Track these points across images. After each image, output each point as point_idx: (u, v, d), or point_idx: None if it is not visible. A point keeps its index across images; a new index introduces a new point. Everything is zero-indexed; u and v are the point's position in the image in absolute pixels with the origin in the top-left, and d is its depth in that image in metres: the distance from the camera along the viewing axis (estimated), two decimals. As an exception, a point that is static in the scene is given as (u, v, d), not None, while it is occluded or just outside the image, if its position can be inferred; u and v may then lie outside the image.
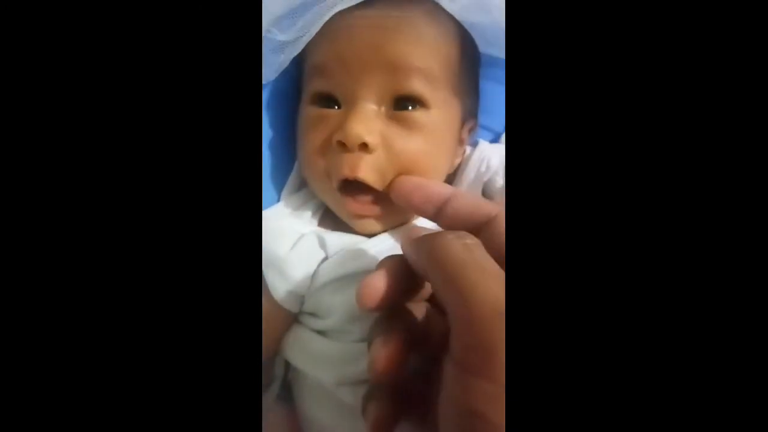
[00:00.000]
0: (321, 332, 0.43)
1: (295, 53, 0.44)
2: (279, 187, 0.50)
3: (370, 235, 0.45)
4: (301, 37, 0.43)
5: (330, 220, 0.48)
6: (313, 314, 0.44)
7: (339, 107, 0.43)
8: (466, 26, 0.46)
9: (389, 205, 0.42)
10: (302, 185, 0.50)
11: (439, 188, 0.35)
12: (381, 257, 0.40)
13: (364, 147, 0.41)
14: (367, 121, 0.41)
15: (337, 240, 0.44)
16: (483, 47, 0.49)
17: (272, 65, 0.45)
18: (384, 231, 0.45)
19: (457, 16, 0.45)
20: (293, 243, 0.43)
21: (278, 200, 0.50)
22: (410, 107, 0.42)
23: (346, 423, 0.40)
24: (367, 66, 0.42)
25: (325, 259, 0.43)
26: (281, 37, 0.44)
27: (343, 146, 0.41)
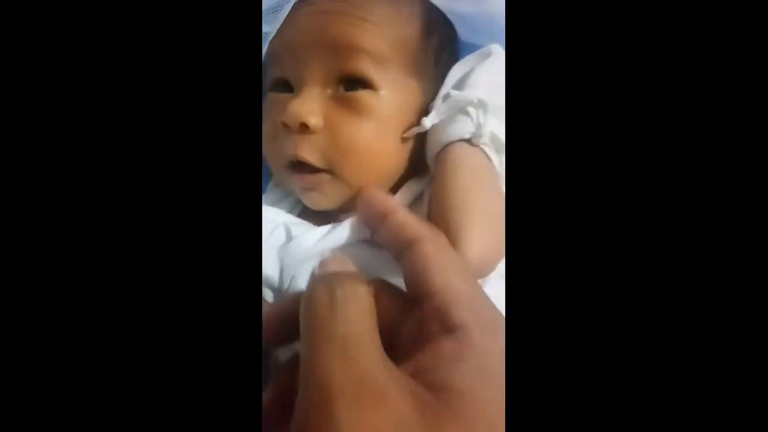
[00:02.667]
0: None
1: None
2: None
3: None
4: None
5: (309, 211, 0.47)
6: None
7: (291, 92, 0.44)
8: (452, 16, 0.46)
9: (332, 182, 0.43)
10: None
11: (379, 204, 0.33)
12: (330, 241, 0.40)
13: (305, 128, 0.41)
14: (309, 102, 0.41)
15: (299, 231, 0.43)
16: (468, 36, 0.48)
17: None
18: (330, 205, 0.45)
19: (443, 6, 0.45)
20: (266, 234, 0.43)
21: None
22: (357, 89, 0.42)
23: None
24: (310, 49, 0.42)
25: (286, 243, 0.43)
26: (265, 28, 0.43)
27: (287, 127, 0.42)
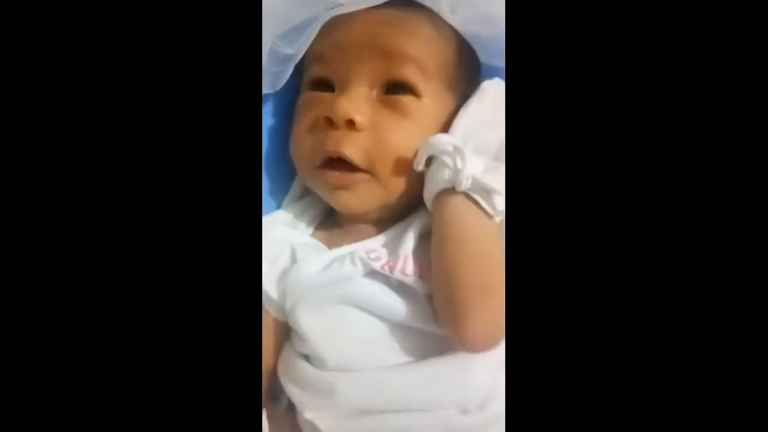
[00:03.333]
0: (305, 356, 0.42)
1: (296, 62, 0.46)
2: (279, 197, 0.51)
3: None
4: (303, 48, 0.45)
5: (325, 230, 0.48)
6: (292, 332, 0.44)
7: (333, 91, 0.45)
8: (468, 38, 0.47)
9: (369, 183, 0.43)
10: (303, 194, 0.51)
11: None
12: (333, 271, 0.41)
13: (351, 124, 0.42)
14: (357, 100, 0.42)
15: (307, 252, 0.44)
16: (485, 58, 0.49)
17: (277, 76, 0.46)
18: (361, 208, 0.45)
19: (459, 28, 0.46)
20: (273, 256, 0.44)
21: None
22: (401, 92, 0.43)
23: None
24: (361, 52, 0.43)
25: (289, 268, 0.44)
26: (287, 50, 0.45)
27: (330, 123, 0.42)
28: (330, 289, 0.41)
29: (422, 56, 0.44)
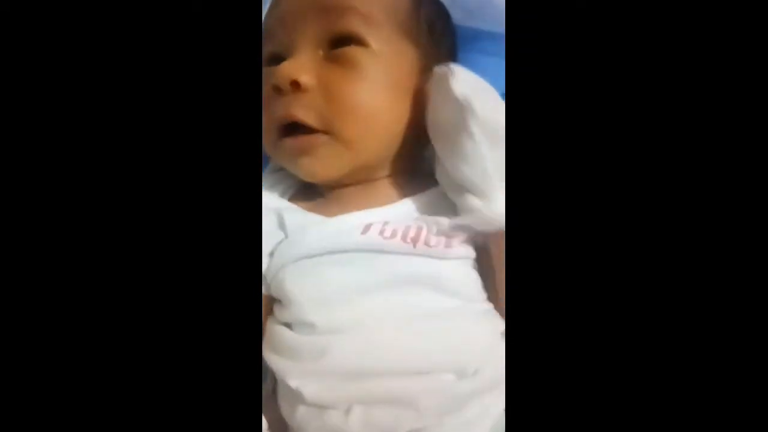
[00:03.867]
0: (287, 324, 0.40)
1: None
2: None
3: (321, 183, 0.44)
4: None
5: (302, 198, 0.46)
6: (279, 301, 0.42)
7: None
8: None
9: (329, 145, 0.40)
10: (280, 167, 0.49)
11: None
12: (341, 239, 0.40)
13: (297, 86, 0.40)
14: (299, 61, 0.40)
15: (297, 219, 0.42)
16: (462, 20, 0.47)
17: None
18: (327, 173, 0.43)
19: None
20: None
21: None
22: (345, 45, 0.41)
23: (312, 421, 0.37)
24: (302, 16, 0.41)
25: (284, 240, 0.42)
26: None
27: (278, 91, 0.40)
28: (327, 257, 0.39)
29: (364, 5, 0.41)
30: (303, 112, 0.40)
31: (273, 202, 0.44)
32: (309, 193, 0.46)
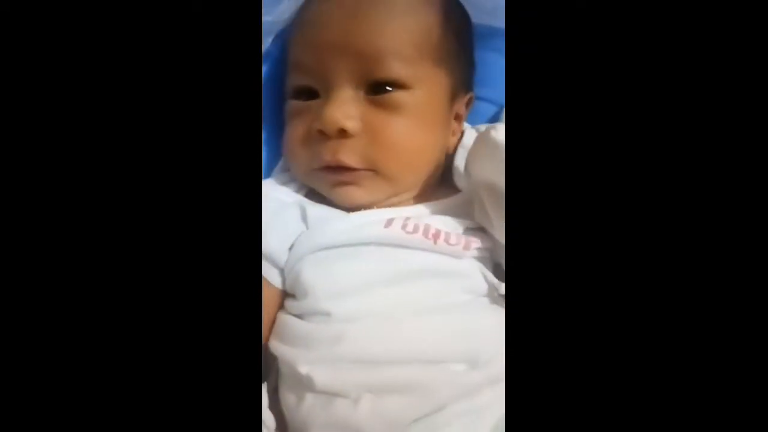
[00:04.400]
0: (298, 316, 0.41)
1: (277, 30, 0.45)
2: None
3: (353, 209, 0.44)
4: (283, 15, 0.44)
5: (316, 195, 0.47)
6: (292, 296, 0.43)
7: (318, 97, 0.43)
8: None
9: (374, 178, 0.42)
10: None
11: None
12: (363, 231, 0.41)
13: (343, 133, 0.41)
14: (345, 106, 0.41)
15: (319, 212, 0.43)
16: (478, 18, 0.47)
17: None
18: (367, 201, 0.44)
19: None
20: (273, 213, 0.43)
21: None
22: (387, 89, 0.42)
23: (320, 411, 0.37)
24: (337, 54, 0.41)
25: (305, 231, 0.43)
26: (266, 18, 0.43)
27: (323, 134, 0.42)
28: (348, 248, 0.41)
29: (401, 44, 0.42)
30: (349, 156, 0.41)
31: (294, 197, 0.45)
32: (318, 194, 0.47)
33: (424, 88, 0.43)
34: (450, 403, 0.36)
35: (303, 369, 0.37)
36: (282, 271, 0.43)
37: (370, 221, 0.42)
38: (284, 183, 0.48)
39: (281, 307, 0.43)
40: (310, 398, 0.38)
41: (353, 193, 0.43)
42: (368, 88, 0.42)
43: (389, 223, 0.41)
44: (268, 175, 0.49)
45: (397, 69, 0.41)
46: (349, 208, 0.44)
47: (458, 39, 0.46)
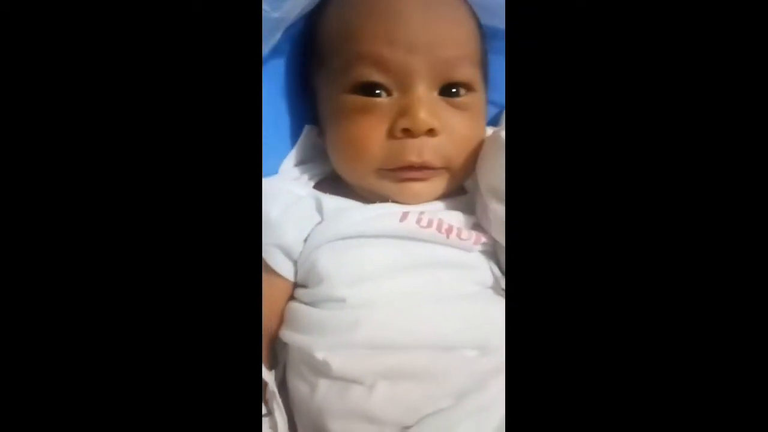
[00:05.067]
0: (311, 304, 0.42)
1: (285, 26, 0.44)
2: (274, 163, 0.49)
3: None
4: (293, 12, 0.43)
5: (328, 187, 0.47)
6: (304, 286, 0.43)
7: (388, 94, 0.43)
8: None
9: (443, 176, 0.44)
10: (302, 161, 0.49)
11: None
12: (380, 223, 0.42)
13: (432, 132, 0.42)
14: (430, 106, 0.42)
15: (335, 204, 0.44)
16: (486, 19, 0.47)
17: (265, 42, 0.44)
18: (431, 197, 0.45)
19: None
20: (288, 205, 0.43)
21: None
22: (460, 91, 0.44)
23: (336, 398, 0.38)
24: (419, 52, 0.42)
25: (320, 222, 0.43)
26: (274, 14, 0.42)
27: (408, 133, 0.41)
28: (364, 239, 0.42)
29: (470, 46, 0.44)
30: (433, 156, 0.43)
31: (307, 189, 0.46)
32: (333, 186, 0.47)
33: (481, 91, 0.46)
34: (462, 395, 0.37)
35: (319, 355, 0.38)
36: (295, 264, 0.43)
37: (386, 213, 0.43)
38: (296, 177, 0.47)
39: (291, 297, 0.44)
40: (324, 386, 0.38)
41: (421, 190, 0.44)
42: (442, 89, 0.43)
43: (404, 216, 0.42)
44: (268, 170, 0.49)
45: (470, 72, 0.44)
46: (411, 203, 0.45)
47: (484, 38, 0.48)
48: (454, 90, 0.44)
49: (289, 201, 0.43)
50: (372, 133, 0.42)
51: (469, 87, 0.44)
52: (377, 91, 0.43)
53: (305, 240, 0.43)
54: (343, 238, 0.42)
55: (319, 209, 0.44)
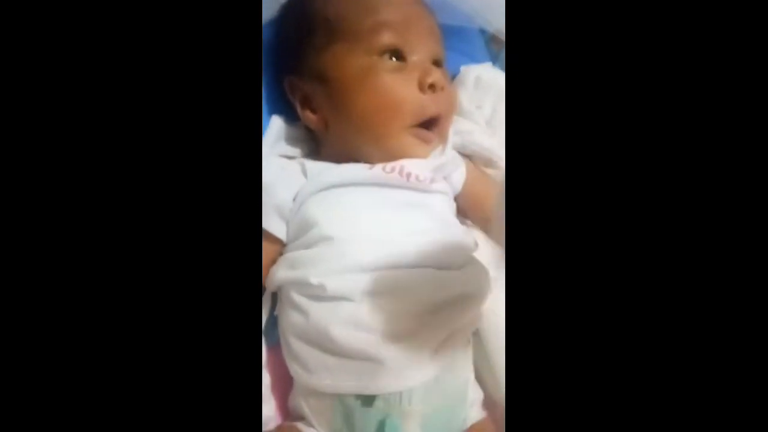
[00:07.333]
0: (305, 248, 0.49)
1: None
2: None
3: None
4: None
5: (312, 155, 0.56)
6: (296, 238, 0.51)
7: (404, 60, 0.53)
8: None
9: (438, 141, 0.55)
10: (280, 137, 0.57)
11: None
12: (352, 173, 0.51)
13: (441, 89, 0.54)
14: (437, 70, 0.54)
15: (316, 166, 0.52)
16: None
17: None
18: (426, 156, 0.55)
19: None
20: (279, 168, 0.52)
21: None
22: (440, 63, 0.56)
23: (329, 314, 0.45)
24: (421, 27, 0.55)
25: (306, 182, 0.52)
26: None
27: (432, 88, 0.52)
28: (342, 188, 0.50)
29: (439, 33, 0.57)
30: (443, 108, 0.54)
31: (295, 154, 0.56)
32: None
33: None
34: (434, 301, 0.46)
35: (315, 281, 0.45)
36: (287, 224, 0.51)
37: (357, 166, 0.52)
38: (285, 144, 0.56)
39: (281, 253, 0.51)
40: (317, 308, 0.46)
41: (423, 151, 0.54)
42: (433, 61, 0.55)
43: (372, 166, 0.51)
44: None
45: (442, 53, 0.56)
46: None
47: None
48: (436, 60, 0.55)
49: (280, 164, 0.53)
50: (405, 90, 0.52)
51: (441, 65, 0.56)
52: (395, 56, 0.53)
53: (294, 198, 0.51)
54: (326, 189, 0.50)
55: (304, 172, 0.52)
